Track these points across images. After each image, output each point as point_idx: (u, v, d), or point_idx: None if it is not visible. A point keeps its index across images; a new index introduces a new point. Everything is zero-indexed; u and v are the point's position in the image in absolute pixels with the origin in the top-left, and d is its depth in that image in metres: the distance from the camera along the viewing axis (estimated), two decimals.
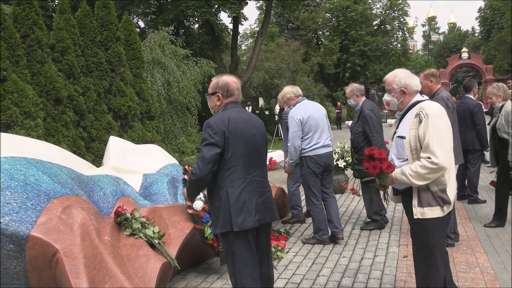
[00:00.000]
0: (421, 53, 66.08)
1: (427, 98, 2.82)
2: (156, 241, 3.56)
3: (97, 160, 6.44)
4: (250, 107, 25.90)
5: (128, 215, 3.71)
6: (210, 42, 15.06)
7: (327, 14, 38.05)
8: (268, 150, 10.76)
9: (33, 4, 6.08)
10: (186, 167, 4.07)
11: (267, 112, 19.37)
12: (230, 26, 18.35)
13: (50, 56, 6.21)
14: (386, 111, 21.96)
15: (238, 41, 14.91)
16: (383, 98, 2.85)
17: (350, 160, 6.93)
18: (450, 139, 2.62)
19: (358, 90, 5.31)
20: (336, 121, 26.30)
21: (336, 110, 26.38)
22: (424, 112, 2.56)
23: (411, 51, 47.55)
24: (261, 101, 26.90)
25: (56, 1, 13.17)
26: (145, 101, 7.76)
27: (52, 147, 5.07)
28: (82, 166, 5.12)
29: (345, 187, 6.88)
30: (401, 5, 39.70)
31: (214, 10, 13.28)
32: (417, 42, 76.11)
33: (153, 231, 3.71)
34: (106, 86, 7.08)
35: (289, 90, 5.05)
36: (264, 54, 28.09)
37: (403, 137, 2.63)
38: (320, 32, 38.99)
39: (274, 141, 13.27)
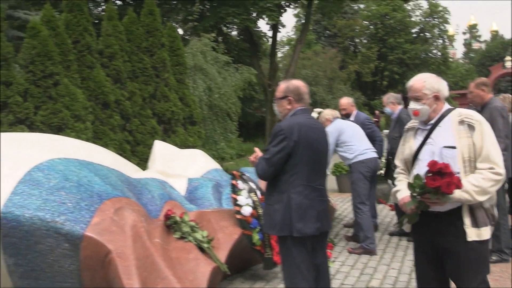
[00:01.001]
0: (461, 61, 64.23)
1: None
2: (205, 245, 3.56)
3: (141, 164, 6.54)
4: None
5: (178, 218, 3.73)
6: (249, 49, 15.15)
7: (364, 22, 37.64)
8: None
9: (84, 11, 6.28)
10: (235, 172, 4.07)
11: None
12: (268, 33, 18.46)
13: (98, 62, 6.38)
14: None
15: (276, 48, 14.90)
16: (410, 107, 2.49)
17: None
18: None
19: (395, 98, 5.37)
20: None
21: (374, 119, 25.95)
22: (473, 119, 2.32)
23: (451, 59, 46.32)
24: None
25: (103, 8, 13.56)
26: (188, 106, 7.85)
27: (101, 149, 5.19)
28: (129, 169, 5.22)
29: (384, 203, 6.74)
30: (442, 13, 38.83)
31: (253, 17, 13.34)
32: (457, 50, 74.19)
33: (202, 235, 3.72)
34: (151, 91, 7.20)
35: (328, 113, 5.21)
36: (301, 61, 28.00)
37: (452, 147, 2.33)
38: (358, 40, 38.59)
39: None
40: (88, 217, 3.53)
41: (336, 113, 5.36)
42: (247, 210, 3.82)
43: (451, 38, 47.17)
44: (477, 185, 2.22)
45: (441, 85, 2.46)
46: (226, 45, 11.68)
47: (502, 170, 2.24)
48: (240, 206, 3.82)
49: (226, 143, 9.63)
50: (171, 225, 3.73)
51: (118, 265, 3.28)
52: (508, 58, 41.32)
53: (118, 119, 6.38)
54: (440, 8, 38.73)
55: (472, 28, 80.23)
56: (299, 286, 2.59)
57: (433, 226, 2.37)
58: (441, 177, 2.14)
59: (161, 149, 6.01)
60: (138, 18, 7.40)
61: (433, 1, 38.38)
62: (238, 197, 3.85)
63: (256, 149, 2.90)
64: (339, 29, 36.05)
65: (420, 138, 2.49)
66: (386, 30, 36.25)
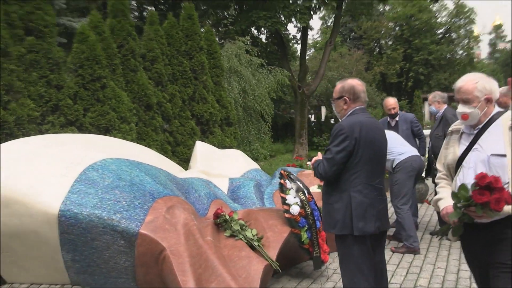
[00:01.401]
0: (486, 61, 62.93)
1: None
2: (256, 243, 3.64)
3: (181, 164, 6.71)
4: (313, 116, 25.83)
5: (227, 217, 3.83)
6: (279, 52, 15.24)
7: (390, 23, 37.28)
8: None
9: (128, 16, 6.48)
10: (282, 171, 4.16)
11: (332, 121, 19.24)
12: (297, 35, 18.45)
13: (141, 65, 6.57)
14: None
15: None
16: (458, 110, 2.31)
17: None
18: None
19: (440, 97, 5.35)
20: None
21: None
22: None
23: (476, 60, 45.44)
24: (323, 110, 26.80)
25: (135, 14, 13.86)
26: (224, 108, 7.99)
27: (147, 150, 5.36)
28: (174, 169, 5.39)
29: (428, 203, 6.73)
30: (468, 13, 38.16)
31: (283, 20, 13.43)
32: (481, 50, 72.74)
33: (252, 233, 3.81)
34: (190, 93, 7.36)
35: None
36: (327, 63, 28.00)
37: (502, 156, 2.13)
38: (383, 41, 38.25)
39: None
40: (142, 215, 3.67)
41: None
42: (295, 209, 3.89)
43: (476, 39, 46.18)
44: None
45: (493, 86, 2.25)
46: (257, 47, 11.78)
47: None
48: (288, 205, 3.88)
49: (260, 144, 9.74)
50: (220, 223, 3.83)
51: (172, 262, 3.39)
52: None
53: (160, 120, 6.56)
54: (467, 9, 38.04)
55: (498, 28, 78.51)
56: (359, 285, 2.63)
57: (482, 237, 2.19)
58: (490, 192, 1.96)
59: (202, 150, 6.17)
60: (177, 22, 7.58)
61: (459, 2, 37.74)
62: (287, 196, 3.93)
63: (319, 153, 2.95)
64: (364, 31, 35.78)
65: (465, 143, 2.30)
66: (411, 32, 35.82)
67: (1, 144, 4.15)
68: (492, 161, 2.16)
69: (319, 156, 2.87)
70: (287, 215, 3.93)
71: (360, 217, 2.57)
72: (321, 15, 30.13)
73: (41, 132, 4.93)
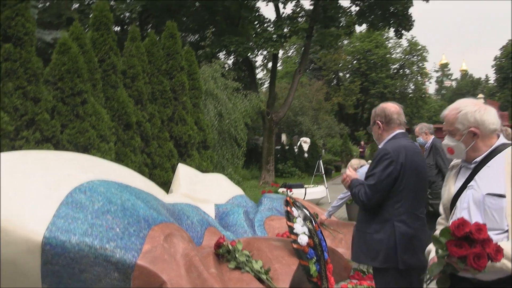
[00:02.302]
0: (434, 97, 66.44)
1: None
2: (264, 276, 3.36)
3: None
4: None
5: (231, 247, 3.54)
6: (248, 77, 15.21)
7: (348, 57, 38.56)
8: (309, 186, 10.58)
9: (110, 30, 6.13)
10: (288, 199, 3.93)
11: (295, 148, 19.29)
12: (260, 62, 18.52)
13: (121, 82, 6.20)
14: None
15: (273, 78, 15.01)
16: (443, 142, 2.07)
17: None
18: None
19: (427, 128, 5.44)
20: None
21: (360, 149, 26.27)
22: None
23: (426, 95, 47.72)
24: (283, 137, 27.00)
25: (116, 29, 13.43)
26: (202, 130, 7.70)
27: (131, 171, 4.97)
28: (159, 193, 5.01)
29: None
30: (420, 51, 40.20)
31: (256, 46, 13.44)
32: (429, 86, 76.76)
33: (259, 265, 3.52)
34: (169, 114, 7.03)
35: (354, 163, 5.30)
36: (287, 92, 28.38)
37: (500, 196, 1.79)
38: (341, 74, 39.43)
39: (315, 175, 13.16)
40: (139, 244, 3.31)
41: (362, 162, 5.57)
42: (304, 239, 3.65)
43: (427, 75, 48.53)
44: None
45: (483, 116, 1.90)
46: (234, 71, 11.69)
47: None
48: (296, 234, 3.64)
49: (233, 169, 9.47)
50: (223, 254, 3.52)
51: None
52: (480, 95, 43.03)
53: (139, 141, 6.17)
54: (419, 47, 40.09)
55: (444, 66, 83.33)
56: None
57: None
58: (469, 244, 1.58)
59: (185, 173, 5.84)
60: (158, 40, 7.29)
61: (413, 40, 39.74)
62: (294, 225, 3.68)
63: (349, 168, 2.77)
64: (324, 62, 36.78)
65: (462, 179, 1.98)
66: (368, 65, 37.21)
67: None
68: (487, 201, 1.82)
69: (351, 171, 2.69)
70: (295, 246, 3.68)
71: (405, 249, 2.39)
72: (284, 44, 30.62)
73: (14, 149, 4.44)
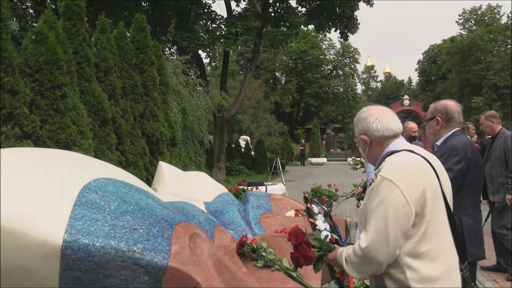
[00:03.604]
0: (363, 98, 69.74)
1: (408, 146, 1.90)
2: (295, 273, 3.32)
3: None
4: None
5: (255, 245, 3.46)
6: (198, 74, 14.99)
7: (284, 57, 39.27)
8: (269, 183, 10.65)
9: (83, 20, 5.75)
10: (306, 195, 3.91)
11: (243, 146, 19.32)
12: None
13: (94, 75, 5.83)
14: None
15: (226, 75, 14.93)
16: None
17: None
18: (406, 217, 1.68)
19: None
20: (299, 158, 26.74)
21: (300, 147, 26.87)
22: (379, 171, 1.79)
23: (357, 96, 49.90)
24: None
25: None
26: (171, 127, 7.47)
27: (119, 169, 4.71)
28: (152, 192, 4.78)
29: None
30: (353, 53, 41.90)
31: (208, 43, 13.28)
32: (356, 87, 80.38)
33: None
34: (141, 110, 6.74)
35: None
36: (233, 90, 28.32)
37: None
38: (278, 73, 40.07)
39: (272, 172, 13.24)
40: (166, 245, 3.15)
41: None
42: (325, 235, 3.65)
43: (353, 76, 50.70)
44: (347, 255, 1.82)
45: (370, 124, 1.93)
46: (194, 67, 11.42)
47: (365, 244, 1.70)
48: (320, 231, 3.63)
49: (196, 167, 9.28)
50: (247, 253, 3.44)
51: None
52: (406, 97, 45.84)
53: (114, 137, 5.85)
54: (352, 49, 41.78)
55: (370, 68, 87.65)
56: None
57: None
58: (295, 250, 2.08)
59: (168, 171, 5.63)
60: (127, 33, 6.96)
61: (345, 43, 41.32)
62: (317, 222, 3.67)
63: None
64: (261, 61, 37.14)
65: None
66: (304, 66, 38.15)
67: None
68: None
69: None
70: None
71: (472, 243, 2.48)
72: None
73: None
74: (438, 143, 2.70)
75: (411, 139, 5.87)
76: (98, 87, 5.73)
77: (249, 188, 8.72)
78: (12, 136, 4.26)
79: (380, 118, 1.91)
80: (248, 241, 3.46)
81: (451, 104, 2.73)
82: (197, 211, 4.37)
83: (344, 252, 1.84)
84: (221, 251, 3.34)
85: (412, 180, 1.68)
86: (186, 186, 5.51)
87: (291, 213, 5.38)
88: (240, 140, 23.26)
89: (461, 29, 35.34)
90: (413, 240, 1.68)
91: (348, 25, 15.08)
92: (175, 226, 3.38)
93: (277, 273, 3.28)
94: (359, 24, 15.26)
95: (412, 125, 6.06)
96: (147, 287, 2.99)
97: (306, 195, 3.99)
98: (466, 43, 29.26)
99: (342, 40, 39.76)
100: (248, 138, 25.98)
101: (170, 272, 2.97)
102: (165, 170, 5.60)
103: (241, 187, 8.48)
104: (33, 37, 4.80)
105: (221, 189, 5.84)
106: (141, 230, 3.14)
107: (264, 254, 3.37)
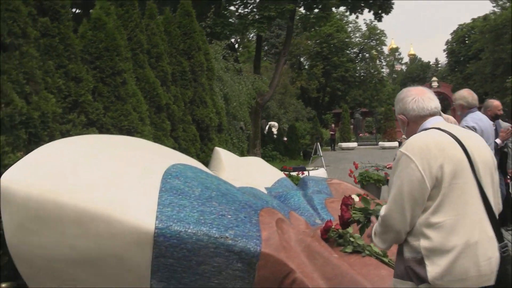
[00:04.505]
0: (389, 81, 68.61)
1: (440, 124, 1.99)
2: (386, 259, 3.20)
3: None
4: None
5: (340, 230, 3.35)
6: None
7: (309, 41, 38.72)
8: (310, 168, 10.50)
9: (135, 5, 5.67)
10: (364, 194, 3.79)
11: (275, 132, 19.24)
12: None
13: (147, 62, 5.76)
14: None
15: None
16: None
17: None
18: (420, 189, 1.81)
19: None
20: (330, 143, 26.49)
21: (331, 132, 26.60)
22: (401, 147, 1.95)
23: (384, 79, 49.02)
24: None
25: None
26: (218, 113, 7.38)
27: (190, 157, 4.65)
28: None
29: None
30: (379, 35, 41.06)
31: (241, 28, 13.10)
32: (383, 70, 79.04)
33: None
34: (191, 96, 6.66)
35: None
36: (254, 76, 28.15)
37: None
38: (303, 58, 39.60)
39: (313, 157, 13.11)
40: (256, 231, 3.06)
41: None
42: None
43: (376, 58, 49.72)
44: (375, 226, 2.01)
45: (406, 104, 2.06)
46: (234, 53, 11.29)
47: (384, 212, 1.90)
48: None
49: (239, 153, 9.21)
50: (333, 238, 3.33)
51: (309, 286, 2.85)
52: (434, 78, 44.81)
53: (169, 124, 5.79)
54: (378, 31, 40.92)
55: (394, 51, 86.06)
56: None
57: None
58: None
59: (226, 157, 5.58)
60: (174, 18, 6.87)
61: (371, 25, 40.48)
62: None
63: None
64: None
65: None
66: (330, 49, 37.56)
67: (43, 147, 3.24)
68: None
69: None
70: None
71: None
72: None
73: (63, 133, 3.99)
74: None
75: (495, 118, 5.55)
76: (152, 74, 5.66)
77: (295, 173, 8.59)
78: (79, 123, 4.22)
79: (416, 98, 2.03)
80: (332, 226, 3.35)
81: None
82: (268, 197, 4.28)
83: (374, 226, 2.01)
84: (309, 236, 3.23)
85: (428, 155, 1.81)
86: (244, 172, 5.43)
87: (355, 197, 5.22)
88: (272, 127, 23.13)
89: (494, 6, 34.11)
90: (429, 211, 1.82)
91: (383, 5, 14.67)
92: (261, 212, 3.29)
93: (369, 259, 3.16)
94: (393, 4, 14.85)
95: (496, 103, 5.69)
96: (240, 274, 2.92)
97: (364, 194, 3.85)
98: (500, 20, 28.26)
99: (369, 22, 39.00)
100: (276, 124, 25.80)
101: (263, 259, 2.89)
102: (223, 155, 5.53)
103: (286, 172, 8.34)
104: (92, 23, 4.74)
105: (279, 174, 5.76)
106: (229, 216, 3.06)
107: (352, 239, 3.25)
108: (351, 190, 5.77)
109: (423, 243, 1.80)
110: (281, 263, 2.90)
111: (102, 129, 4.52)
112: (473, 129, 4.39)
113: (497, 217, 1.90)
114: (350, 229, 3.34)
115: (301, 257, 3.05)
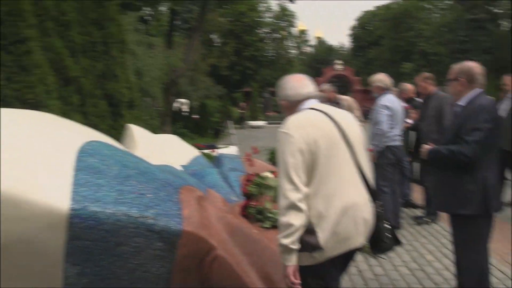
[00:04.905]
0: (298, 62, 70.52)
1: (314, 105, 2.21)
2: None
3: None
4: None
5: (259, 207, 3.45)
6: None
7: (221, 18, 38.34)
8: (221, 146, 10.55)
9: None
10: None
11: (185, 108, 18.95)
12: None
13: (54, 30, 5.33)
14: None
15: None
16: None
17: None
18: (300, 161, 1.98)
19: None
20: (239, 121, 26.79)
21: (241, 111, 26.84)
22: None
23: (293, 60, 50.33)
24: None
25: None
26: (129, 89, 7.09)
27: (102, 134, 4.42)
28: None
29: None
30: (290, 16, 41.95)
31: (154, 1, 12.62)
32: (291, 52, 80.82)
33: None
34: (101, 69, 6.31)
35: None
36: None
37: None
38: (216, 35, 39.17)
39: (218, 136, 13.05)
40: (176, 209, 3.03)
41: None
42: None
43: (284, 38, 50.83)
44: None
45: (283, 90, 2.31)
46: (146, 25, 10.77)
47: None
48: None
49: (150, 130, 8.93)
50: (252, 214, 3.41)
51: (231, 262, 2.91)
52: (339, 61, 47.04)
53: (78, 98, 5.45)
54: (288, 12, 41.77)
55: (302, 33, 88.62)
56: (485, 262, 2.70)
57: None
58: None
59: (138, 133, 5.38)
60: None
61: (283, 5, 41.17)
62: None
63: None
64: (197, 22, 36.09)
65: None
66: (243, 28, 37.59)
67: None
68: None
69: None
70: None
71: (493, 197, 2.63)
72: None
73: None
74: (462, 103, 2.78)
75: (408, 100, 6.00)
76: (60, 43, 5.26)
77: (208, 151, 8.58)
78: None
79: (294, 85, 2.25)
80: (251, 203, 3.43)
81: (476, 67, 2.81)
82: (185, 175, 4.24)
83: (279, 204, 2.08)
84: (228, 213, 3.28)
85: (303, 131, 2.00)
86: (159, 150, 5.30)
87: (268, 174, 5.39)
88: (181, 104, 22.73)
89: None
90: (312, 183, 1.99)
91: None
92: (180, 190, 3.26)
93: None
94: None
95: (410, 86, 6.18)
96: (160, 254, 2.88)
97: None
98: (400, 10, 30.38)
99: (281, 3, 39.55)
100: (186, 101, 25.42)
101: (185, 237, 2.87)
102: (136, 132, 5.34)
103: (200, 151, 8.31)
104: None
105: (194, 152, 5.70)
106: (150, 195, 2.99)
107: (270, 215, 3.36)
108: (265, 167, 5.94)
109: (311, 212, 1.98)
110: (203, 240, 2.90)
111: (4, 102, 4.13)
112: (386, 108, 4.77)
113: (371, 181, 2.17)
114: (268, 204, 3.45)
115: (222, 234, 3.09)
